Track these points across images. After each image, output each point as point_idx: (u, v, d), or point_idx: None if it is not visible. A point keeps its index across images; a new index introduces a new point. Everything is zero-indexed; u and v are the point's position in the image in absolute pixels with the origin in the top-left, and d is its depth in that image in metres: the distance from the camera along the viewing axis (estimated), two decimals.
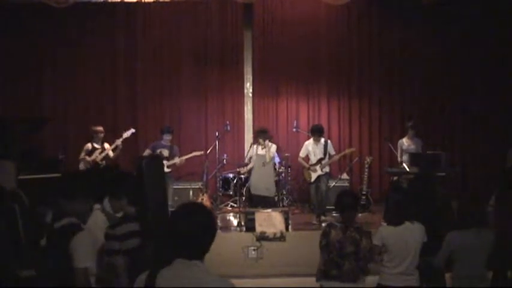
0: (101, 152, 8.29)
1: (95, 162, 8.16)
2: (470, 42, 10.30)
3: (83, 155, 8.34)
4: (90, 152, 8.31)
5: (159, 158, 3.41)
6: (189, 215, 2.21)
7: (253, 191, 8.32)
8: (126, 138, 8.51)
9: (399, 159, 9.03)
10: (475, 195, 4.46)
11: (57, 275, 3.22)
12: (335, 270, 3.76)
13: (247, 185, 8.97)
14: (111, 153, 8.32)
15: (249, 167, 8.90)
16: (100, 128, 8.43)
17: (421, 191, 4.56)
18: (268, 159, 8.23)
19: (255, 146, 8.45)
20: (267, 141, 8.31)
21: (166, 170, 8.12)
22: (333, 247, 3.77)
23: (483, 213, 4.09)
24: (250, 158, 8.68)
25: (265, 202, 8.21)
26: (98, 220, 3.47)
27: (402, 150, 9.00)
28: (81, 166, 8.33)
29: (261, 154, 8.25)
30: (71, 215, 3.26)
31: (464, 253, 3.95)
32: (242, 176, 9.16)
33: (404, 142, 9.05)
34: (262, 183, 8.19)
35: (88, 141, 8.46)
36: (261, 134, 8.37)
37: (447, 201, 4.70)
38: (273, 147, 8.46)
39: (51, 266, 3.24)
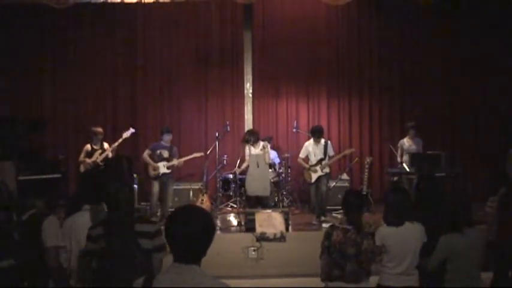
0: (101, 153, 8.28)
1: (95, 163, 8.15)
2: (470, 42, 10.31)
3: (82, 156, 8.33)
4: (90, 154, 8.30)
5: (126, 160, 3.36)
6: (186, 219, 2.19)
7: (250, 193, 8.21)
8: (126, 138, 8.50)
9: (399, 159, 9.05)
10: (459, 196, 4.45)
11: (34, 262, 3.40)
12: (337, 271, 3.76)
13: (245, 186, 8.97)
14: (110, 154, 8.32)
15: (243, 166, 8.90)
16: (99, 130, 8.43)
17: (431, 192, 4.55)
18: (267, 160, 8.20)
19: (247, 147, 8.35)
20: (259, 142, 8.21)
21: (166, 170, 8.14)
22: (334, 249, 3.77)
23: (469, 214, 4.10)
24: (244, 157, 8.60)
25: (261, 202, 8.18)
26: (84, 220, 3.49)
27: (403, 150, 9.02)
28: (82, 168, 8.32)
29: (254, 154, 8.15)
30: (34, 208, 3.59)
31: (456, 255, 3.95)
32: (242, 177, 9.16)
33: (406, 142, 9.06)
34: (259, 183, 8.09)
35: (87, 143, 8.45)
36: (249, 136, 8.22)
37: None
38: (268, 146, 8.34)
39: (27, 254, 3.42)
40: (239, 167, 9.02)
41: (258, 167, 8.04)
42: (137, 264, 2.91)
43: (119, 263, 2.90)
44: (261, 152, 8.11)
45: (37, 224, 3.49)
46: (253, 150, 8.16)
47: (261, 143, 8.25)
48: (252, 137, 8.19)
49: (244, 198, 8.86)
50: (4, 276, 3.37)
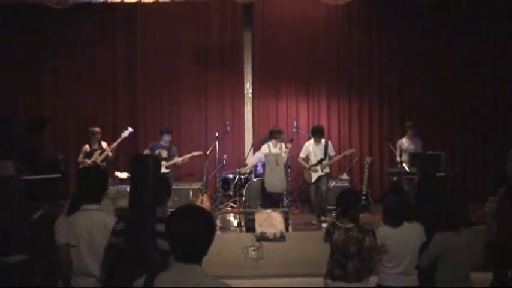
0: (101, 153, 8.25)
1: (95, 164, 8.13)
2: (470, 42, 10.30)
3: (81, 157, 8.30)
4: (89, 154, 8.27)
5: (150, 159, 3.34)
6: (187, 218, 2.19)
7: (270, 189, 8.28)
8: (125, 138, 8.48)
9: (398, 159, 9.02)
10: (458, 196, 4.47)
11: (44, 260, 3.51)
12: (339, 270, 3.76)
13: (248, 184, 8.97)
14: (110, 154, 8.30)
15: (248, 167, 8.93)
16: (97, 129, 8.40)
17: (432, 192, 4.56)
18: (285, 160, 8.38)
19: (266, 145, 8.44)
20: (284, 145, 8.39)
21: (165, 170, 8.13)
22: (336, 247, 3.77)
23: (467, 214, 4.11)
24: (263, 156, 8.70)
25: (279, 198, 8.34)
26: (83, 220, 3.50)
27: (402, 150, 8.99)
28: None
29: (274, 153, 8.26)
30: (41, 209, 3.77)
31: (450, 254, 3.96)
32: (242, 177, 9.16)
33: (404, 142, 9.04)
34: (278, 180, 8.23)
35: (87, 143, 8.43)
36: (276, 134, 8.40)
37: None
38: (288, 148, 8.61)
39: (38, 251, 3.53)
40: (244, 166, 9.09)
41: (277, 165, 8.19)
42: (153, 265, 2.92)
43: (134, 261, 2.91)
44: (279, 151, 8.23)
45: (49, 223, 3.59)
46: (272, 149, 8.24)
47: (282, 145, 8.41)
48: (278, 135, 8.34)
49: (244, 198, 8.87)
50: (17, 270, 3.43)
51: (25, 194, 3.81)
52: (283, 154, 8.26)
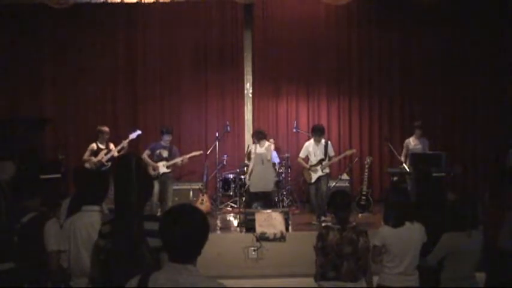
0: (107, 153, 8.21)
1: (100, 163, 8.12)
2: (471, 43, 10.30)
3: (87, 155, 8.24)
4: (96, 153, 8.24)
5: (132, 158, 3.29)
6: (179, 218, 2.18)
7: (252, 189, 8.36)
8: (132, 139, 8.44)
9: (402, 158, 8.98)
10: (468, 196, 4.45)
11: (34, 265, 3.42)
12: (333, 271, 3.76)
13: (247, 186, 8.98)
14: (116, 154, 8.26)
15: (250, 167, 8.99)
16: (106, 129, 8.36)
17: (430, 191, 4.55)
18: (268, 157, 8.38)
19: (253, 146, 8.54)
20: (265, 142, 8.42)
21: (165, 170, 8.13)
22: (331, 249, 3.77)
23: (476, 215, 4.10)
24: (250, 156, 8.75)
25: (265, 198, 8.34)
26: (84, 221, 3.50)
27: (408, 150, 8.97)
28: (87, 166, 8.26)
29: (259, 153, 8.32)
30: (33, 211, 3.62)
31: (457, 255, 3.95)
32: (242, 177, 9.17)
33: (411, 141, 9.02)
34: (262, 180, 8.29)
35: (87, 142, 8.41)
36: (256, 135, 8.56)
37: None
38: (272, 146, 8.69)
39: (27, 257, 3.44)
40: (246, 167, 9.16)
41: (262, 164, 8.26)
42: (146, 264, 2.91)
43: (126, 262, 2.90)
44: (265, 151, 8.28)
45: (38, 227, 3.51)
46: (258, 149, 8.30)
47: (266, 143, 8.48)
48: (255, 137, 8.49)
49: (244, 197, 8.87)
50: (4, 278, 3.38)
51: (18, 195, 3.71)
52: (268, 153, 8.33)
